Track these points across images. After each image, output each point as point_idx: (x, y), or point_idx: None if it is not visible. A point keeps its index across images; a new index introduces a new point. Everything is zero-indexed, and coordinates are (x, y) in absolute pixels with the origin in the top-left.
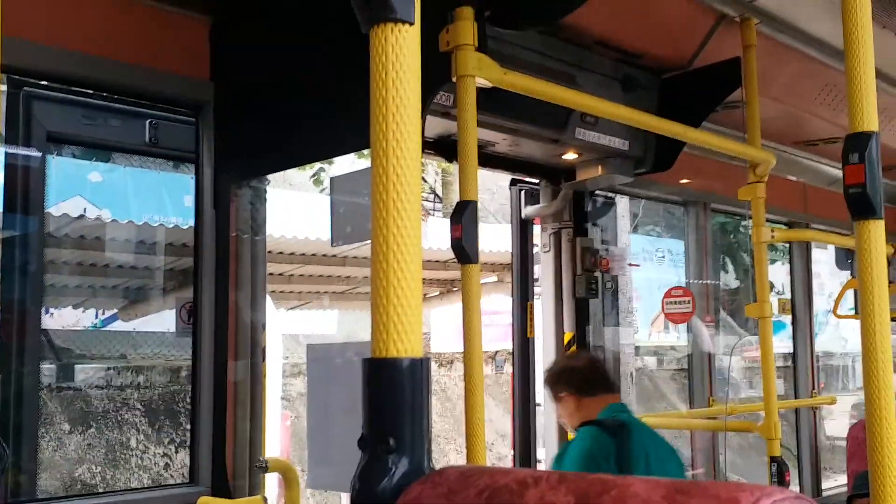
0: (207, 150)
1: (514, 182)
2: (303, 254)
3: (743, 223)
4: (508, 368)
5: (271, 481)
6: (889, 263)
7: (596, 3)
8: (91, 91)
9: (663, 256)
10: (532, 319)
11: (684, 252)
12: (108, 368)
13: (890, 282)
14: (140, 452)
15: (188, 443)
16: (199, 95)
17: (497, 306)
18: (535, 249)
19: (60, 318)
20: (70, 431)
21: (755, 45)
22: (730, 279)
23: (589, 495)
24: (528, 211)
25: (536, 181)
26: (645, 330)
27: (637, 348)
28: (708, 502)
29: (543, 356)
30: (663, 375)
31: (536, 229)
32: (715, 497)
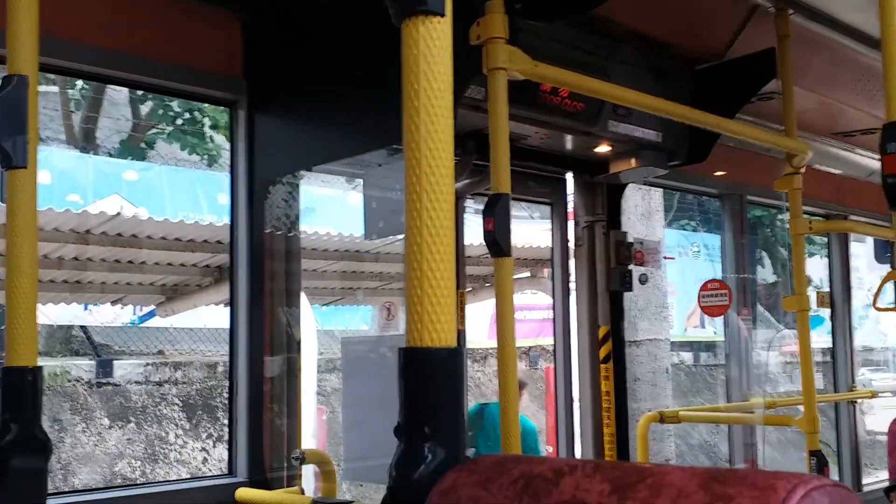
0: (242, 146)
1: None
2: (336, 250)
3: (779, 216)
4: (543, 364)
5: (307, 473)
6: None
7: None
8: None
9: (698, 251)
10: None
11: (720, 245)
12: (147, 364)
13: None
14: (179, 447)
15: (225, 437)
16: (233, 92)
17: (530, 301)
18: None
19: (99, 315)
20: (110, 427)
21: (790, 35)
22: (767, 273)
23: (624, 483)
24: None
25: None
26: (681, 325)
27: (672, 343)
28: (744, 490)
29: (578, 350)
30: (700, 370)
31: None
32: (752, 485)
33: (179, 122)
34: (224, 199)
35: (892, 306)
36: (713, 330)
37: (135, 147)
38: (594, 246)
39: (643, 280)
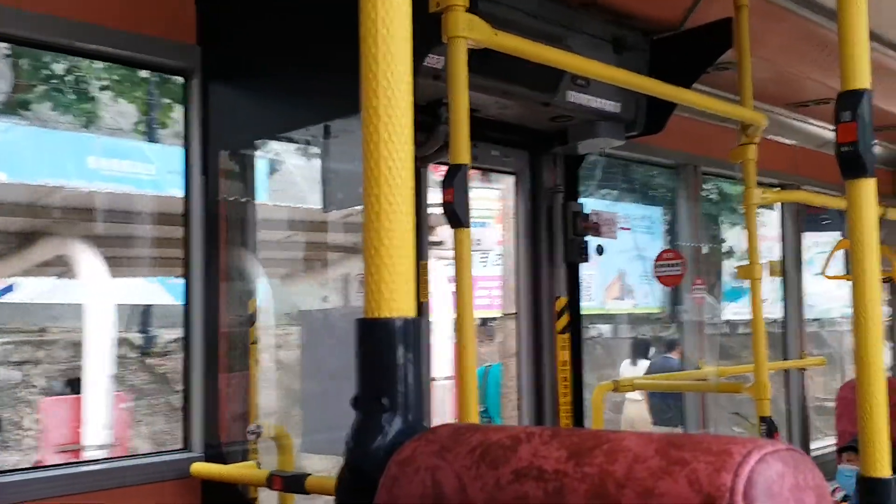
0: (196, 115)
1: None
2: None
3: (711, 192)
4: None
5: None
6: (880, 224)
7: None
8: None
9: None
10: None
11: (673, 215)
12: (4, 343)
13: (881, 242)
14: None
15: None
16: (186, 61)
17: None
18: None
19: None
20: None
21: (747, 5)
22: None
23: (581, 449)
24: None
25: None
26: (599, 297)
27: (592, 316)
28: (700, 455)
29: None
30: (618, 343)
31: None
32: (707, 450)
33: (54, 81)
34: (95, 162)
35: (836, 275)
36: (633, 303)
37: (7, 107)
38: (552, 217)
39: (600, 251)
